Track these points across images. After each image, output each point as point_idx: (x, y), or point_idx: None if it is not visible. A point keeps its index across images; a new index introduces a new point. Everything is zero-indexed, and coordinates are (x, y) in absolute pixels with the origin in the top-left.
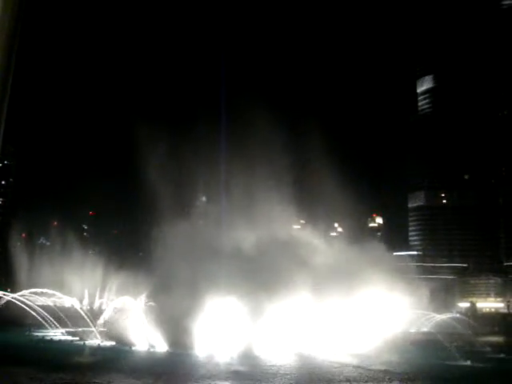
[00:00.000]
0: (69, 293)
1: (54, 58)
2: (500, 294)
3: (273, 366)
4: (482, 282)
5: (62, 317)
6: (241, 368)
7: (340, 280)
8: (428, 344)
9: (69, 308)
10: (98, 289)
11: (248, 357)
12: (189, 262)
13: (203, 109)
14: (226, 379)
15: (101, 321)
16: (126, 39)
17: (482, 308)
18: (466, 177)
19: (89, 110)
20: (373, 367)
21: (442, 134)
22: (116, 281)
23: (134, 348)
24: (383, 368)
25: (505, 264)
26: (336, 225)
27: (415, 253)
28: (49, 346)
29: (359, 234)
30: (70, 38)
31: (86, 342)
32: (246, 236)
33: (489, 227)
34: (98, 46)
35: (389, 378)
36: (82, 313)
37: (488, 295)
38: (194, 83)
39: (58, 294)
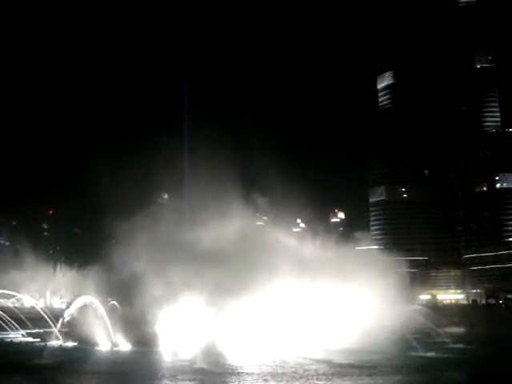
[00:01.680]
0: (29, 293)
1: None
2: (460, 285)
3: (238, 363)
4: (442, 274)
5: (22, 318)
6: (205, 366)
7: (306, 276)
8: (392, 336)
9: (29, 309)
10: (59, 288)
11: (213, 354)
12: (151, 260)
13: (164, 107)
14: (189, 377)
15: (62, 321)
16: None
17: (443, 300)
18: (426, 171)
19: (47, 108)
20: (338, 361)
21: (402, 129)
22: (77, 280)
23: (96, 348)
24: (348, 362)
25: (464, 257)
26: (298, 220)
27: (376, 247)
28: (8, 348)
29: (321, 229)
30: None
31: (47, 343)
32: (208, 233)
33: (448, 221)
34: (56, 49)
35: (353, 371)
36: (42, 313)
37: (448, 287)
38: (154, 82)
39: (17, 294)
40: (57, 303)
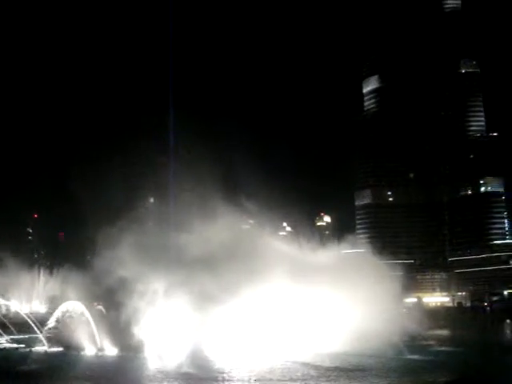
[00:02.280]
0: (13, 298)
1: None
2: (445, 288)
3: (225, 367)
4: (427, 277)
5: (6, 323)
6: (192, 370)
7: (295, 279)
8: (380, 340)
9: (13, 314)
10: (44, 293)
11: (200, 359)
12: (137, 265)
13: (149, 111)
14: (175, 382)
15: (48, 326)
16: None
17: (429, 303)
18: (411, 175)
19: (32, 111)
20: (324, 364)
21: (388, 133)
22: (62, 285)
23: (82, 353)
24: (334, 365)
25: (449, 259)
26: (285, 224)
27: (363, 250)
28: None
29: (308, 232)
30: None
31: (33, 349)
32: (194, 237)
33: (434, 224)
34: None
35: (340, 374)
36: (27, 319)
37: (434, 290)
38: (138, 87)
39: (1, 300)
40: (41, 308)
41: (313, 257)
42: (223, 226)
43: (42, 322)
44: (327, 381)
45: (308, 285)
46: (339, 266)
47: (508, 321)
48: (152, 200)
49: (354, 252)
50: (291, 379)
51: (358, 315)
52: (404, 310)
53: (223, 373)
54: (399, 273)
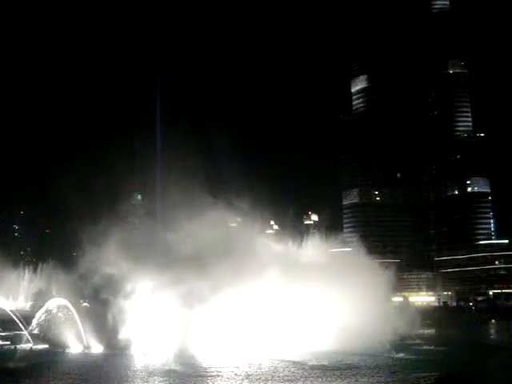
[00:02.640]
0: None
1: None
2: (431, 288)
3: (212, 365)
4: (414, 276)
5: None
6: (177, 367)
7: (281, 277)
8: (367, 338)
9: (5, 312)
10: (30, 290)
11: (185, 356)
12: (123, 262)
13: (136, 109)
14: (161, 379)
15: (33, 323)
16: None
17: (414, 302)
18: (398, 175)
19: (18, 109)
20: (313, 363)
21: (376, 132)
22: (49, 282)
23: (68, 350)
24: (320, 363)
25: (435, 259)
26: (272, 222)
27: (350, 249)
28: None
29: (295, 231)
30: None
31: (18, 346)
32: (180, 234)
33: (420, 224)
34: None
35: (327, 373)
36: (13, 316)
37: (420, 289)
38: (126, 84)
39: None
40: (27, 305)
41: (302, 255)
42: (210, 223)
43: (27, 319)
44: (314, 379)
45: (297, 283)
46: (328, 265)
47: (493, 321)
48: (139, 197)
49: (343, 251)
50: (278, 378)
51: (347, 313)
52: (392, 309)
53: (209, 370)
54: (389, 272)
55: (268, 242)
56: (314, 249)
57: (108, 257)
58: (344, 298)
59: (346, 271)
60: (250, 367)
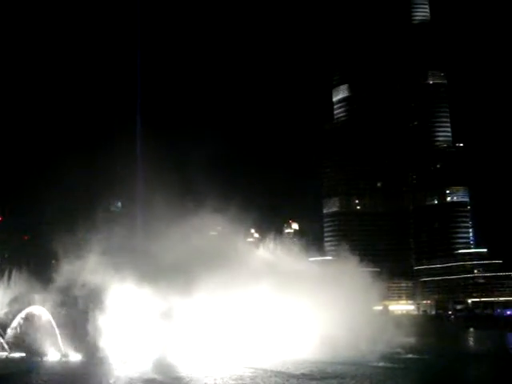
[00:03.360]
0: None
1: None
2: (411, 296)
3: (192, 375)
4: (393, 285)
5: None
6: (156, 376)
7: (259, 285)
8: (343, 346)
9: None
10: (6, 298)
11: (164, 365)
12: (102, 268)
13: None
14: None
15: (9, 331)
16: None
17: (394, 310)
18: (379, 184)
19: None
20: (289, 371)
21: (356, 142)
22: (26, 289)
23: (45, 359)
24: (299, 372)
25: (415, 268)
26: (252, 231)
27: (330, 258)
28: None
29: (275, 239)
30: None
31: None
32: (161, 242)
33: (400, 232)
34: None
35: (307, 382)
36: None
37: (400, 298)
38: (107, 90)
39: None
40: (2, 313)
41: (285, 263)
42: (193, 231)
43: (2, 326)
44: None
45: (282, 292)
46: (312, 274)
47: (471, 329)
48: (119, 204)
49: (326, 259)
50: None
51: (332, 322)
52: (374, 318)
53: (189, 380)
54: (374, 281)
55: (253, 250)
56: (296, 257)
57: (87, 265)
58: (329, 307)
59: (330, 280)
60: (228, 376)
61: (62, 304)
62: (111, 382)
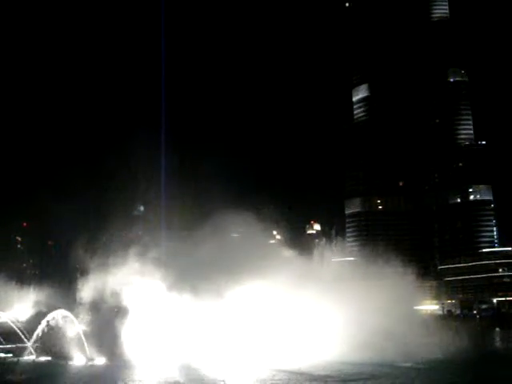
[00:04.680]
0: (1, 308)
1: None
2: (435, 296)
3: (216, 377)
4: (417, 285)
5: None
6: (180, 379)
7: (279, 287)
8: (368, 346)
9: (1, 324)
10: (33, 302)
11: (188, 368)
12: (127, 273)
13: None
14: None
15: (35, 336)
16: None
17: (419, 310)
18: (401, 183)
19: (19, 116)
20: (315, 372)
21: (377, 141)
22: (51, 294)
23: (70, 362)
24: (324, 373)
25: (439, 268)
26: (274, 232)
27: (353, 258)
28: None
29: (298, 240)
30: None
31: (20, 359)
32: (184, 246)
33: (423, 232)
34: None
35: (332, 380)
36: (15, 328)
37: (424, 298)
38: (131, 94)
39: None
40: (30, 318)
41: (316, 265)
42: (213, 234)
43: (30, 331)
44: None
45: (312, 294)
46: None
47: (497, 329)
48: (142, 208)
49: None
50: None
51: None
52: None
53: (217, 381)
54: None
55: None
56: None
57: (112, 269)
58: (363, 309)
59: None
60: (257, 380)
61: (88, 308)
62: None
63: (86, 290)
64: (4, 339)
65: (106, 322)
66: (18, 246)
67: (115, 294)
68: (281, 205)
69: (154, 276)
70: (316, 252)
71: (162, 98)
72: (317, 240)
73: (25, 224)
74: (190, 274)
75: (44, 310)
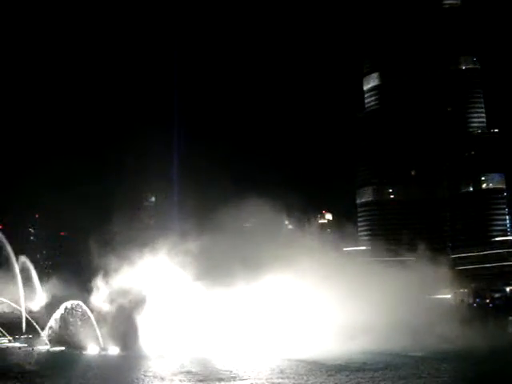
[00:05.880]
0: (16, 299)
1: None
2: (447, 285)
3: (226, 367)
4: (430, 274)
5: (9, 323)
6: (193, 369)
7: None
8: (381, 335)
9: (15, 314)
10: (45, 293)
11: (201, 358)
12: (139, 264)
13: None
14: (177, 380)
15: (50, 326)
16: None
17: (432, 299)
18: (413, 172)
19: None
20: (330, 362)
21: (389, 130)
22: (65, 284)
23: (84, 352)
24: (339, 362)
25: (451, 257)
26: (287, 222)
27: (364, 248)
28: None
29: (309, 230)
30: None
31: (35, 348)
32: (198, 234)
33: (435, 221)
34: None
35: (345, 370)
36: (30, 319)
37: (436, 287)
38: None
39: (5, 300)
40: (43, 308)
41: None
42: (226, 224)
43: (44, 322)
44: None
45: (331, 283)
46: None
47: (511, 318)
48: (153, 198)
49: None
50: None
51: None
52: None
53: (225, 373)
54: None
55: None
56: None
57: (124, 259)
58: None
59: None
60: (268, 369)
61: (102, 298)
62: (149, 374)
63: (100, 281)
64: (18, 329)
65: (120, 312)
66: (31, 237)
67: (129, 285)
68: (292, 194)
69: (170, 267)
70: (328, 241)
71: (174, 89)
72: (329, 230)
73: (37, 215)
74: (210, 264)
75: (58, 300)
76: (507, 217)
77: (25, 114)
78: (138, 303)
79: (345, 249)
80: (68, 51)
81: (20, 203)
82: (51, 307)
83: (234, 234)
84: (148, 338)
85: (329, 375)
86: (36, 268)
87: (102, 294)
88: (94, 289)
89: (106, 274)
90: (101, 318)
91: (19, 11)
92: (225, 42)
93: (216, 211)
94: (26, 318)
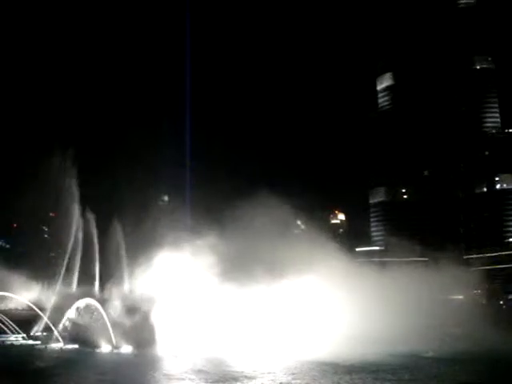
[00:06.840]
0: (30, 296)
1: None
2: (461, 286)
3: (239, 367)
4: (444, 275)
5: (22, 321)
6: (206, 369)
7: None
8: (390, 336)
9: (29, 311)
10: (60, 291)
11: (215, 358)
12: (152, 262)
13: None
14: (189, 379)
15: (63, 324)
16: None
17: (446, 300)
18: (426, 172)
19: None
20: (346, 363)
21: (402, 130)
22: (78, 282)
23: (97, 350)
24: (352, 363)
25: (464, 257)
26: (299, 222)
27: (377, 248)
28: (9, 351)
29: (322, 231)
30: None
31: (48, 346)
32: (210, 234)
33: (448, 222)
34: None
35: (356, 372)
36: (43, 316)
37: (450, 288)
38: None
39: (18, 297)
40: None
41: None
42: (236, 224)
43: (58, 319)
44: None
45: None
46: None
47: None
48: (166, 198)
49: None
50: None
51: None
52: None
53: (238, 373)
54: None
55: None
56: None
57: (137, 256)
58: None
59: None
60: (282, 371)
61: (113, 296)
62: (162, 373)
63: (114, 279)
64: (31, 327)
65: (133, 310)
66: (45, 236)
67: (143, 284)
68: (305, 194)
69: (187, 265)
70: (340, 241)
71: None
72: (341, 230)
73: (52, 214)
74: (226, 265)
75: (71, 298)
76: None
77: (29, 107)
78: (153, 302)
79: (358, 249)
80: (77, 52)
81: (34, 202)
82: (65, 305)
83: (248, 234)
84: (163, 338)
85: (343, 375)
86: (49, 266)
87: (116, 291)
88: (109, 287)
89: (119, 271)
90: (114, 315)
91: (19, 11)
92: (236, 43)
93: (228, 212)
94: (40, 316)
